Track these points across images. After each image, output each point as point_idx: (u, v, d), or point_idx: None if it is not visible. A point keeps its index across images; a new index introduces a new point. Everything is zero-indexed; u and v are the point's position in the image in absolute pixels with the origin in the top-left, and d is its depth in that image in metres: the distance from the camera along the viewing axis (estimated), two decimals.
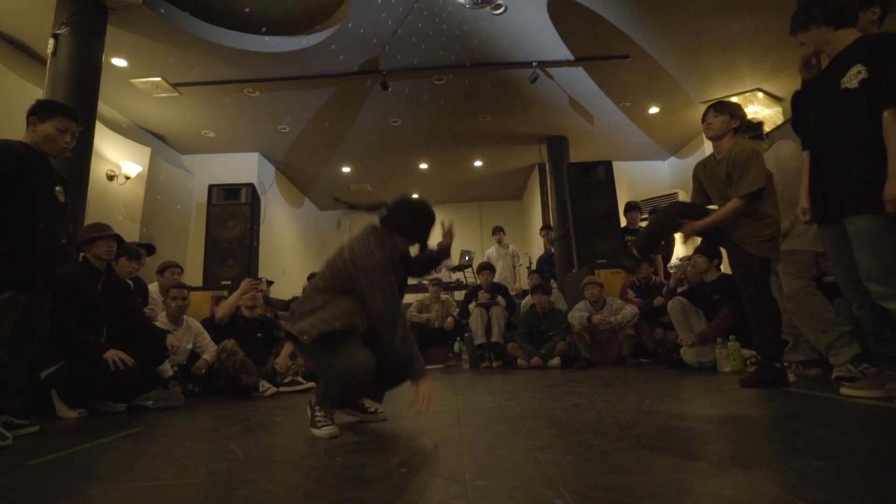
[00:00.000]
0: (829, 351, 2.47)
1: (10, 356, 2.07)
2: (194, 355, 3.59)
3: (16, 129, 4.00)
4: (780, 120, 6.01)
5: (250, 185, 5.85)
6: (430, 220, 2.01)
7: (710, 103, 2.80)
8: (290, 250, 9.39)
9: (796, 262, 2.66)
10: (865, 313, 2.09)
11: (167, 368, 3.15)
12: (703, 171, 2.80)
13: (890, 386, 1.95)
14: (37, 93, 4.46)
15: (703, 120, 2.74)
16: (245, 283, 3.76)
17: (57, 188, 2.28)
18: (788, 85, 5.95)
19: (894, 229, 1.88)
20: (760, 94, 6.30)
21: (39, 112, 2.22)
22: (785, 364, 2.69)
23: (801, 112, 2.30)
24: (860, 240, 1.95)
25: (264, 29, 5.13)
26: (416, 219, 1.98)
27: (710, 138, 2.74)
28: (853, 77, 1.95)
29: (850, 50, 2.02)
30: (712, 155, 2.75)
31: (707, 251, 3.81)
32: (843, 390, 2.05)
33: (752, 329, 2.64)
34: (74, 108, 2.39)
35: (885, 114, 1.85)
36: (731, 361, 3.27)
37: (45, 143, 2.20)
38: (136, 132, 6.70)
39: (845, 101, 1.99)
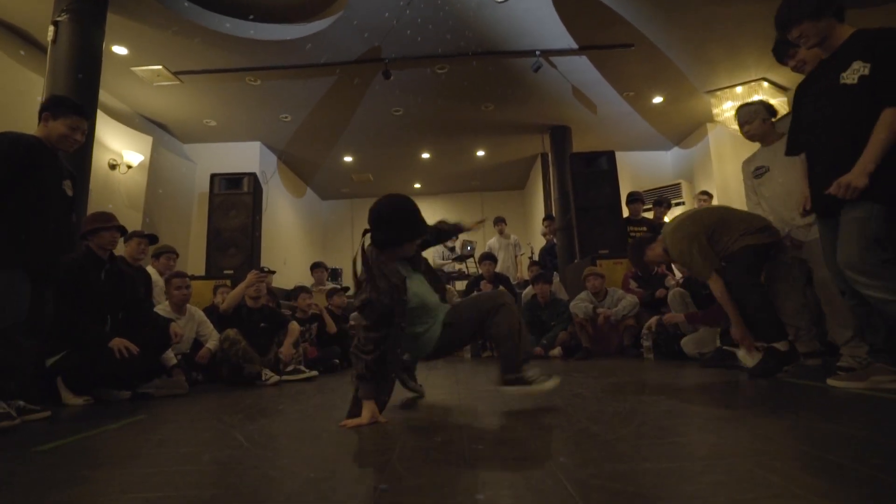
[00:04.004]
0: (847, 344, 2.48)
1: (6, 346, 2.07)
2: (197, 344, 3.61)
3: (16, 117, 4.03)
4: (784, 110, 5.96)
5: (252, 175, 5.84)
6: (406, 217, 1.80)
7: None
8: (293, 240, 9.39)
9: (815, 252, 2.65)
10: (855, 304, 2.09)
11: (170, 357, 3.17)
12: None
13: (875, 378, 1.97)
14: (37, 81, 4.44)
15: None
16: (251, 276, 3.76)
17: (65, 182, 2.31)
18: (794, 74, 5.86)
19: (882, 220, 1.86)
20: (766, 84, 6.24)
21: (52, 108, 2.26)
22: None
23: (799, 107, 2.28)
24: (848, 228, 1.93)
25: (252, 17, 5.04)
26: (393, 228, 1.79)
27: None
28: (853, 73, 1.92)
29: (849, 43, 1.99)
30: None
31: None
32: (830, 381, 2.08)
33: (749, 321, 2.69)
34: (76, 97, 2.42)
35: (887, 111, 1.83)
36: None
37: (57, 140, 2.25)
38: (137, 121, 6.68)
39: (844, 97, 1.96)
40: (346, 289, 5.83)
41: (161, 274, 4.13)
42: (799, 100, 2.27)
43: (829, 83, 2.04)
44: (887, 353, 2.01)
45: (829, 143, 2.05)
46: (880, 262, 1.85)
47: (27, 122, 3.78)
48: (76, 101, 2.42)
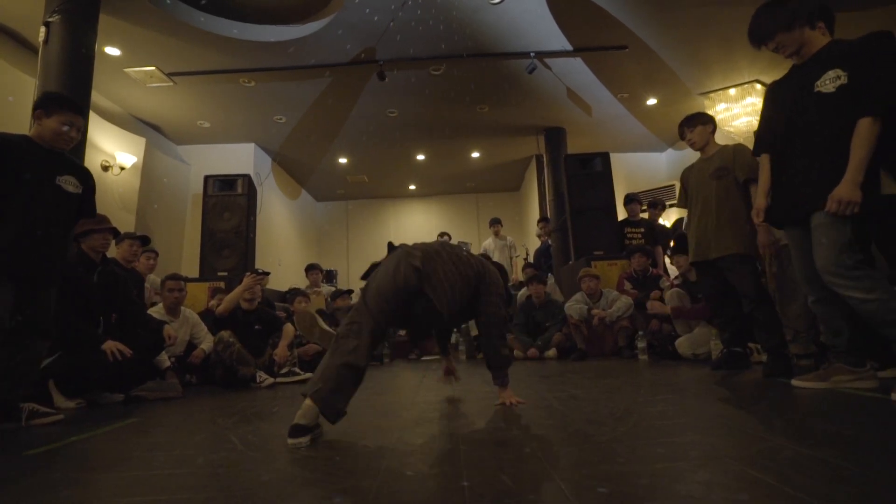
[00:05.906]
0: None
1: (15, 349, 2.07)
2: (191, 346, 3.59)
3: (8, 118, 3.99)
4: None
5: (246, 176, 5.82)
6: None
7: (682, 121, 3.19)
8: (287, 242, 9.36)
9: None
10: (821, 308, 2.12)
11: (164, 359, 3.15)
12: (689, 173, 3.15)
13: (836, 378, 2.03)
14: (29, 82, 4.40)
15: (683, 138, 3.16)
16: (248, 279, 3.73)
17: (62, 178, 2.25)
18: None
19: (847, 224, 1.87)
20: (758, 86, 6.29)
21: (45, 105, 2.24)
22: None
23: (770, 109, 2.28)
24: (818, 233, 1.95)
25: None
26: None
27: (697, 150, 3.15)
28: (830, 81, 1.93)
29: (825, 52, 2.01)
30: (699, 158, 3.11)
31: (683, 251, 3.96)
32: (794, 381, 2.15)
33: (756, 326, 2.74)
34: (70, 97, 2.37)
35: (863, 121, 1.83)
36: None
37: (51, 138, 2.22)
38: (130, 122, 6.64)
39: (819, 105, 1.97)
40: (350, 291, 5.81)
41: (143, 274, 4.12)
42: (770, 102, 2.27)
43: (802, 90, 2.05)
44: (849, 355, 2.06)
45: (803, 150, 2.04)
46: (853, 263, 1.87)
47: (19, 123, 3.75)
48: (69, 97, 2.38)
